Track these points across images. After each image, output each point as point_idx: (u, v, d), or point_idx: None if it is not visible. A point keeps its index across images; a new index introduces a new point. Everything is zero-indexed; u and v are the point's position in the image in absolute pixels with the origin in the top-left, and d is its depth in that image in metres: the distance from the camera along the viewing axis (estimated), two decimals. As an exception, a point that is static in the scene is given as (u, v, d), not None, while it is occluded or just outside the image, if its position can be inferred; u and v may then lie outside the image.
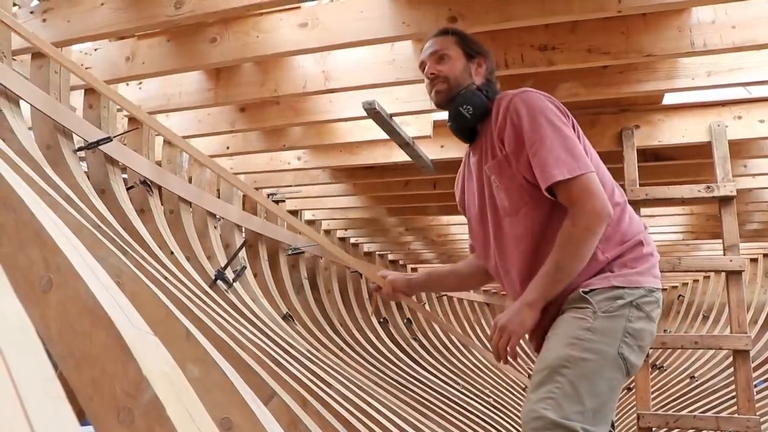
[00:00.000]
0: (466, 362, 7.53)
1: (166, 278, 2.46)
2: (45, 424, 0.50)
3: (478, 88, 1.91)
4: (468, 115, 1.88)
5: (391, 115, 3.55)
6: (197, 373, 1.46)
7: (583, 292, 1.69)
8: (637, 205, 3.68)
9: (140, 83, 3.83)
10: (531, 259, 1.79)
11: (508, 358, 1.72)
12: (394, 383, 4.73)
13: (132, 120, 3.93)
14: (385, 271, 2.29)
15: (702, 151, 3.93)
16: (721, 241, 3.62)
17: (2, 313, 0.61)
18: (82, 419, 1.37)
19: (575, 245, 1.66)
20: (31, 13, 3.12)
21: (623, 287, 1.67)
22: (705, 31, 2.83)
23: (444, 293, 9.37)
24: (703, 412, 5.23)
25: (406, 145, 3.89)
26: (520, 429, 3.65)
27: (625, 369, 1.62)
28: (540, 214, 1.77)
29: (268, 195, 5.57)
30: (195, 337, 1.53)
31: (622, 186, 3.68)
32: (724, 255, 3.56)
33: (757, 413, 3.32)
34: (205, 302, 2.83)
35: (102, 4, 2.96)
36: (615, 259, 1.72)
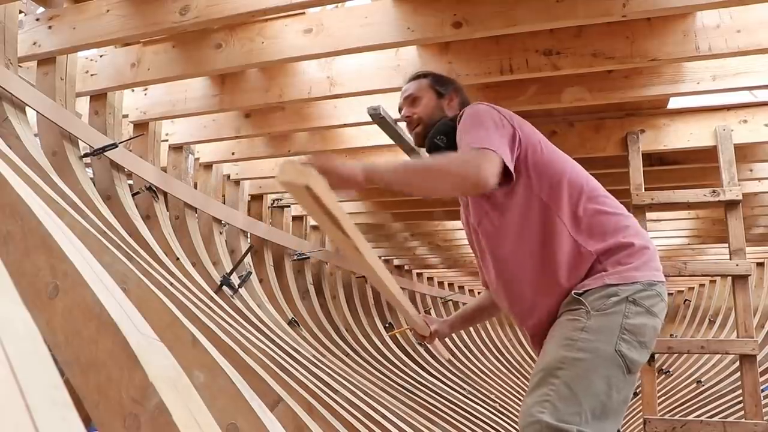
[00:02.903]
0: (472, 367, 7.52)
1: (171, 284, 2.47)
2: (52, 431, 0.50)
3: (450, 120, 1.98)
4: (442, 144, 1.95)
5: (396, 121, 3.55)
6: (203, 379, 1.47)
7: (576, 294, 1.69)
8: (642, 209, 3.68)
9: (146, 89, 3.85)
10: (503, 266, 1.85)
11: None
12: (400, 388, 4.72)
13: (138, 126, 3.94)
14: (428, 319, 2.34)
15: (707, 155, 3.91)
16: (727, 245, 3.60)
17: (9, 320, 0.61)
18: (89, 425, 1.38)
19: (441, 164, 1.73)
20: (37, 20, 3.13)
21: (617, 284, 1.66)
22: (710, 36, 2.83)
23: (449, 298, 9.39)
24: (710, 417, 5.20)
25: (411, 150, 3.89)
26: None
27: (624, 366, 1.60)
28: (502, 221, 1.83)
29: (273, 200, 5.57)
30: (201, 343, 1.53)
31: (627, 191, 3.71)
32: (731, 259, 3.55)
33: (765, 418, 3.30)
34: (210, 308, 2.84)
35: (107, 10, 2.97)
36: (607, 256, 1.71)
